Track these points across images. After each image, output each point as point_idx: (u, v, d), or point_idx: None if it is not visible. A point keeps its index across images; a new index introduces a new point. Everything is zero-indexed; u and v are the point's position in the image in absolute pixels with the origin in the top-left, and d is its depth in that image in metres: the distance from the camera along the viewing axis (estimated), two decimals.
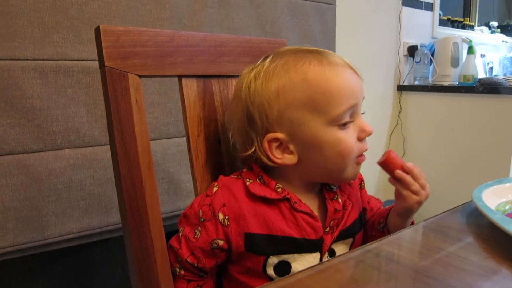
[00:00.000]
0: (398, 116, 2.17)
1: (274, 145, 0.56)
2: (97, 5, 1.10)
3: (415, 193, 0.57)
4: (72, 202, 1.11)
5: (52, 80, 1.05)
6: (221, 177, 0.59)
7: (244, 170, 0.60)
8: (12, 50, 0.99)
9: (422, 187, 0.58)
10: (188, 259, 0.56)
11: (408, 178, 0.58)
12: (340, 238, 0.59)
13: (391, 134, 2.17)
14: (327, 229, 0.58)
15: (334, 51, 1.73)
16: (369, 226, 0.68)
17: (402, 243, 0.46)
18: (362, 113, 0.58)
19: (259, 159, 0.57)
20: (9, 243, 1.02)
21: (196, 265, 0.56)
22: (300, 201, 0.57)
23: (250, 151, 0.57)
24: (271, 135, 0.55)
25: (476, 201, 0.48)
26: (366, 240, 0.68)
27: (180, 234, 0.57)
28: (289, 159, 0.56)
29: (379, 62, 2.05)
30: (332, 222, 0.58)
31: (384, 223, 0.65)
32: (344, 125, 0.54)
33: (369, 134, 0.56)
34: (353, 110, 0.55)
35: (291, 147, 0.55)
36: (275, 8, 1.49)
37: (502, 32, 2.90)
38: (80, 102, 1.09)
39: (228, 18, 1.36)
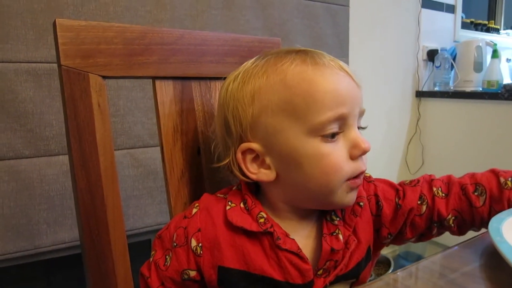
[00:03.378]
0: (417, 124, 2.06)
1: (249, 157, 0.48)
2: (94, 6, 1.06)
3: None
4: (65, 211, 1.07)
5: (46, 83, 1.02)
6: (205, 195, 0.52)
7: (234, 188, 0.52)
8: (4, 52, 0.96)
9: None
10: None
11: None
12: (337, 280, 0.49)
13: (409, 143, 2.06)
14: (320, 272, 0.47)
15: (347, 55, 1.65)
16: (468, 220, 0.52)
17: None
18: (363, 127, 0.48)
19: (233, 173, 0.50)
20: None
21: None
22: (287, 236, 0.47)
23: (224, 162, 0.50)
24: (244, 145, 0.47)
25: (493, 236, 0.37)
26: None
27: (151, 259, 0.50)
28: (265, 174, 0.47)
29: (396, 66, 1.96)
30: (327, 263, 0.47)
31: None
32: (331, 137, 0.45)
33: (364, 152, 0.45)
34: (344, 121, 0.45)
35: (268, 160, 0.47)
36: (283, 9, 1.42)
37: None
38: None
39: (233, 20, 1.30)
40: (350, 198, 0.47)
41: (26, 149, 1.01)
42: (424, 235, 0.56)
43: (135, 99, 1.12)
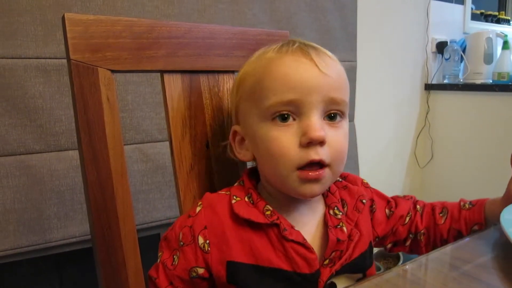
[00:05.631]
0: (426, 117, 2.04)
1: (237, 138, 0.53)
2: (102, 2, 1.06)
3: None
4: (75, 205, 1.08)
5: (55, 79, 1.03)
6: (207, 194, 0.53)
7: (236, 184, 0.54)
8: (14, 48, 0.97)
9: None
10: None
11: None
12: (343, 271, 0.50)
13: (418, 136, 2.04)
14: (326, 262, 0.48)
15: (355, 48, 1.63)
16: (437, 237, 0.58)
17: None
18: (334, 115, 0.47)
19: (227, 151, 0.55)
20: (10, 245, 1.00)
21: None
22: (292, 227, 0.48)
23: (226, 142, 0.55)
24: (233, 127, 0.53)
25: (505, 227, 0.37)
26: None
27: (159, 260, 0.50)
28: (244, 155, 0.52)
29: (405, 59, 1.94)
30: (333, 253, 0.49)
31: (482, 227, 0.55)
32: (281, 121, 0.46)
33: (311, 140, 0.44)
34: (297, 108, 0.45)
35: (246, 142, 0.52)
36: (290, 2, 1.41)
37: None
38: None
39: (240, 14, 1.30)
40: (306, 189, 0.46)
41: (36, 144, 1.02)
42: (397, 244, 0.61)
43: (143, 94, 1.13)
